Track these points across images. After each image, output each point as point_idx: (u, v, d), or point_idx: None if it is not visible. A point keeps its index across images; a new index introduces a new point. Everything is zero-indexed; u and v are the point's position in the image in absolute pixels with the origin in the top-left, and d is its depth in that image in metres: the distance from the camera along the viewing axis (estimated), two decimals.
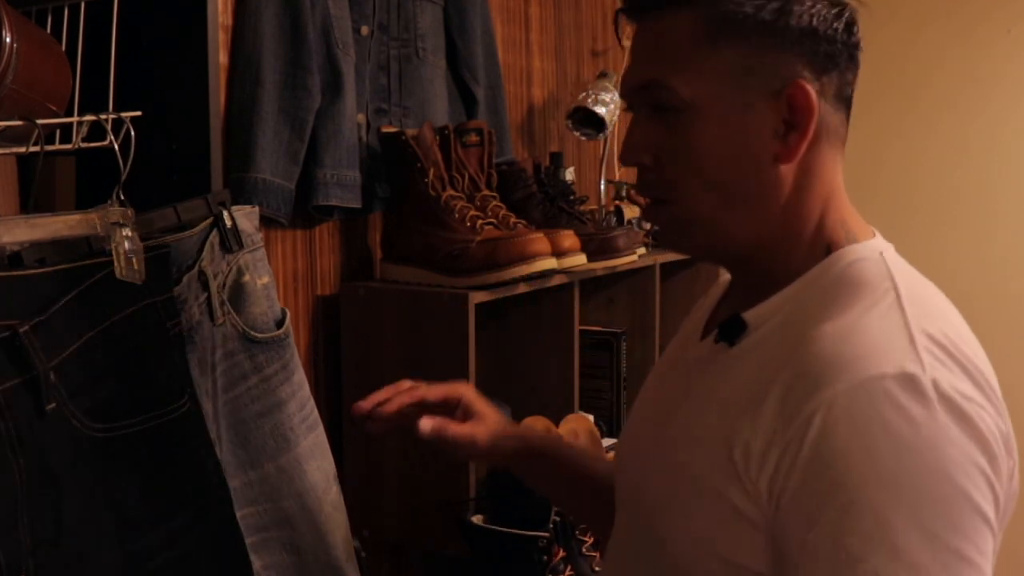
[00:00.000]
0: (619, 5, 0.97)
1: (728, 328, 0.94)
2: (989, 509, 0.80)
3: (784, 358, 0.86)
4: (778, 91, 0.90)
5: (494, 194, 1.69)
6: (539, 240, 1.57)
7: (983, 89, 2.87)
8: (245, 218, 1.15)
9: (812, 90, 0.90)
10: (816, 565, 0.79)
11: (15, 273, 0.90)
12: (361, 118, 1.62)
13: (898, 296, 0.88)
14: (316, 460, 1.17)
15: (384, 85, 1.67)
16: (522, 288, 1.62)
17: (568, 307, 1.81)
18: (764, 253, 0.94)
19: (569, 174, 2.10)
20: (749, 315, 0.93)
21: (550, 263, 1.58)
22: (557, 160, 2.08)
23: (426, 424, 1.11)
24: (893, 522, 0.77)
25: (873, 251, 0.93)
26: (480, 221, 1.60)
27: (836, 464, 0.79)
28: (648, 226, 2.17)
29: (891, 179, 2.96)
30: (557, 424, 1.83)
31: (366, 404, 1.11)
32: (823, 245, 0.93)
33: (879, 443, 0.79)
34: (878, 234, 0.97)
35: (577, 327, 1.83)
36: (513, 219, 1.66)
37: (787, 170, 0.92)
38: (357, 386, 1.62)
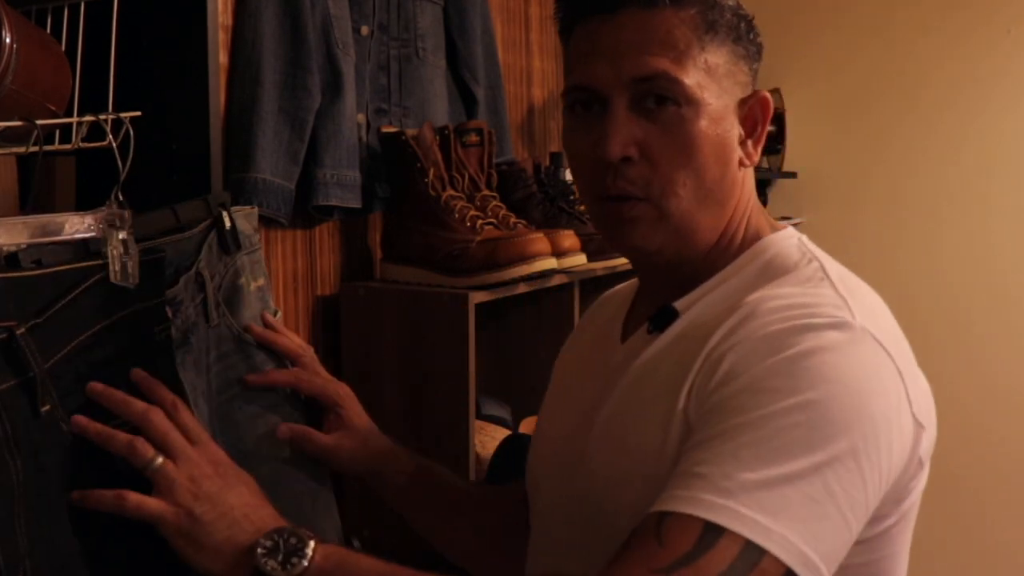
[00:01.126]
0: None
1: (659, 318, 0.97)
2: (875, 462, 0.82)
3: (715, 324, 0.90)
4: (743, 100, 0.97)
5: (494, 194, 1.69)
6: (539, 240, 1.57)
7: (983, 89, 2.86)
8: (244, 219, 1.15)
9: (768, 96, 0.97)
10: (699, 452, 0.82)
11: (12, 275, 0.90)
12: (361, 118, 1.62)
13: (825, 272, 0.93)
14: (309, 462, 1.18)
15: (384, 85, 1.67)
16: (522, 288, 1.62)
17: (568, 307, 1.81)
18: (705, 252, 0.98)
19: (569, 174, 2.10)
20: (678, 304, 0.97)
21: (550, 263, 1.58)
22: (557, 160, 2.08)
23: (284, 431, 1.13)
24: (788, 436, 0.79)
25: (792, 237, 0.99)
26: (480, 221, 1.60)
27: (749, 374, 0.83)
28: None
29: (890, 179, 2.96)
30: None
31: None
32: (752, 237, 0.99)
33: (799, 359, 0.82)
34: (789, 225, 1.03)
35: None
36: (513, 219, 1.66)
37: (742, 173, 0.98)
38: (357, 386, 1.62)
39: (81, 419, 0.91)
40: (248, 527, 0.91)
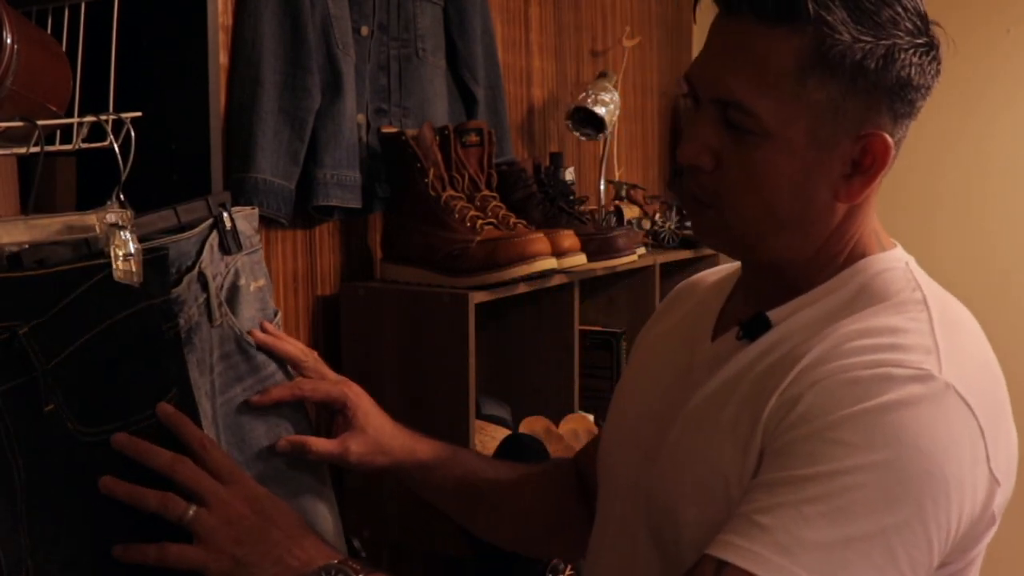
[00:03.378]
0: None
1: (751, 325, 0.94)
2: (944, 524, 0.80)
3: (804, 347, 0.88)
4: (857, 136, 0.89)
5: (494, 194, 1.69)
6: (539, 240, 1.57)
7: (982, 89, 2.86)
8: (244, 220, 1.15)
9: (892, 142, 0.90)
10: (764, 496, 0.81)
11: (14, 275, 0.90)
12: (361, 118, 1.62)
13: (927, 304, 0.89)
14: (311, 461, 1.18)
15: (384, 85, 1.67)
16: (522, 288, 1.62)
17: (568, 307, 1.81)
18: (799, 266, 0.94)
19: (569, 174, 2.10)
20: (772, 314, 0.94)
21: (550, 263, 1.58)
22: (557, 160, 2.08)
23: (283, 445, 1.11)
24: (856, 495, 0.78)
25: (899, 261, 0.95)
26: (480, 221, 1.60)
27: (824, 420, 0.81)
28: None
29: (888, 178, 2.96)
30: (557, 424, 1.83)
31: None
32: (858, 255, 0.95)
33: (875, 413, 0.80)
34: (899, 245, 0.99)
35: (577, 327, 1.83)
36: (513, 219, 1.66)
37: (843, 206, 0.93)
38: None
39: (108, 481, 0.90)
40: (293, 563, 0.90)
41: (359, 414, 1.16)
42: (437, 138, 1.62)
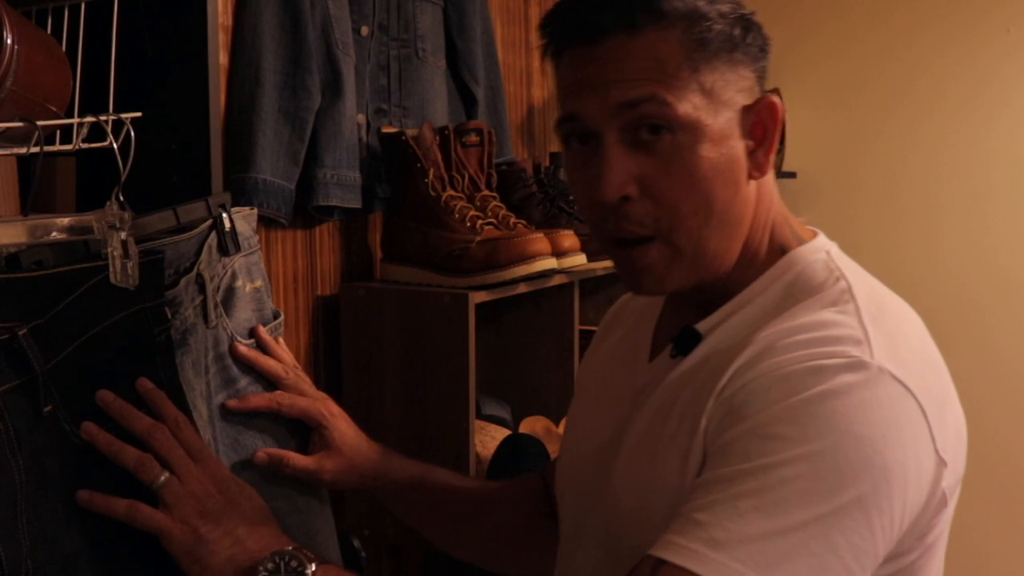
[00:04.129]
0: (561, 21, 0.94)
1: (682, 341, 0.94)
2: (886, 510, 0.80)
3: (735, 352, 0.87)
4: (748, 107, 0.90)
5: (494, 194, 1.69)
6: (539, 240, 1.57)
7: (982, 88, 2.86)
8: (243, 221, 1.15)
9: (778, 101, 0.91)
10: (702, 495, 0.81)
11: (13, 276, 0.90)
12: (361, 118, 1.62)
13: (852, 294, 0.89)
14: None
15: (384, 85, 1.67)
16: (522, 288, 1.62)
17: (568, 307, 1.81)
18: (730, 270, 0.94)
19: None
20: (701, 326, 0.94)
21: (550, 263, 1.58)
22: (557, 160, 2.08)
23: (261, 456, 1.11)
24: (790, 487, 0.78)
25: (820, 252, 0.95)
26: (480, 221, 1.60)
27: (759, 417, 0.81)
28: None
29: (889, 177, 2.96)
30: (557, 424, 1.83)
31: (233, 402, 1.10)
32: (777, 250, 0.95)
33: (808, 404, 0.80)
34: (819, 233, 0.98)
35: (577, 327, 1.83)
36: (513, 219, 1.66)
37: (753, 185, 0.93)
38: (357, 386, 1.63)
39: (92, 428, 0.93)
40: (251, 547, 0.92)
41: (335, 434, 1.16)
42: (437, 138, 1.62)
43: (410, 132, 1.62)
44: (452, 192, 1.62)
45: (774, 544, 0.76)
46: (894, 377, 0.82)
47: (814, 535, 0.77)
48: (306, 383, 1.18)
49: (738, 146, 0.90)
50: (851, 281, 0.91)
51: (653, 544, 0.82)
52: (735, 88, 0.89)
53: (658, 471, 0.89)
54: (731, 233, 0.92)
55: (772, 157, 0.92)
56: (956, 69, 2.87)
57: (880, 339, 0.84)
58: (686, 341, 0.94)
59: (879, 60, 2.96)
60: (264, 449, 1.12)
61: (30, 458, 0.88)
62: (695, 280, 0.93)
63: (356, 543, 1.44)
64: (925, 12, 2.89)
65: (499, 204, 1.68)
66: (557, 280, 1.71)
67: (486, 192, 1.67)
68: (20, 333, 0.88)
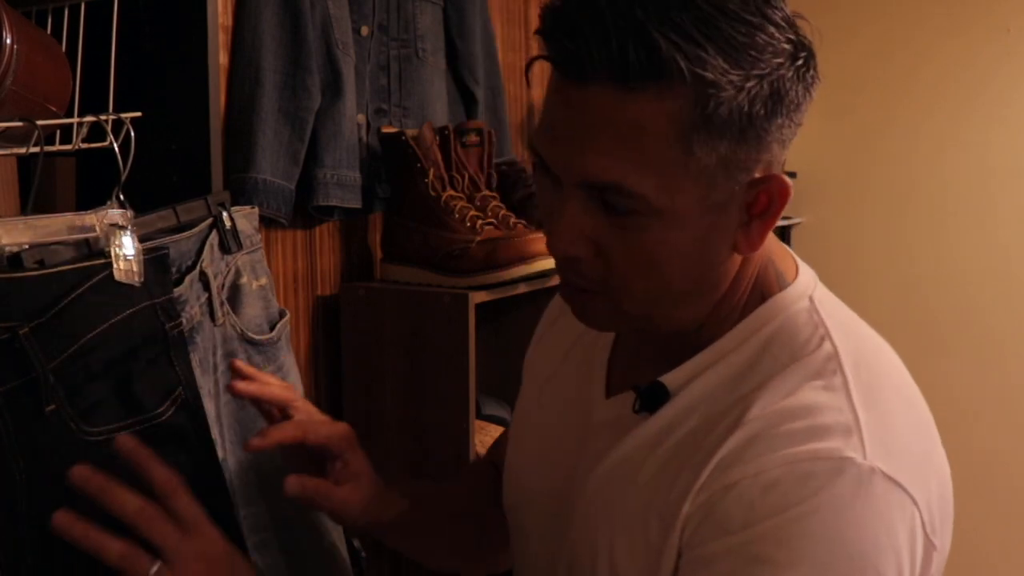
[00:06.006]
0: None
1: (647, 397, 0.85)
2: None
3: (713, 427, 0.80)
4: (753, 182, 0.77)
5: (494, 194, 1.69)
6: (539, 240, 1.57)
7: (982, 86, 2.86)
8: (244, 219, 1.15)
9: (790, 183, 0.77)
10: None
11: (15, 275, 0.90)
12: (361, 118, 1.62)
13: (839, 363, 0.81)
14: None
15: (384, 85, 1.67)
16: (522, 288, 1.62)
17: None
18: (698, 325, 0.86)
19: None
20: (669, 380, 0.85)
21: (550, 263, 1.58)
22: None
23: (293, 485, 0.96)
24: None
25: (801, 298, 0.85)
26: (480, 221, 1.60)
27: (745, 534, 0.75)
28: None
29: (890, 175, 2.96)
30: None
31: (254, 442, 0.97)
32: (757, 296, 0.86)
33: (798, 522, 0.74)
34: (800, 264, 0.89)
35: None
36: (513, 219, 1.66)
37: (741, 256, 0.83)
38: (357, 386, 1.63)
39: (63, 519, 0.82)
40: None
41: (356, 460, 1.03)
42: (437, 138, 1.62)
43: (410, 132, 1.62)
44: (452, 192, 1.62)
45: None
46: (886, 476, 0.76)
47: None
48: (313, 408, 1.06)
49: (726, 223, 0.78)
50: (836, 340, 0.82)
51: None
52: (739, 168, 0.75)
53: (625, 555, 0.84)
54: (696, 303, 0.83)
55: (764, 236, 0.80)
56: (956, 68, 2.87)
57: (871, 423, 0.78)
58: (653, 398, 0.85)
59: (879, 59, 2.96)
60: (297, 477, 0.98)
61: (31, 458, 0.88)
62: (644, 328, 0.86)
63: (356, 543, 1.44)
64: (925, 11, 2.89)
65: (499, 204, 1.68)
66: (557, 280, 1.70)
67: (486, 192, 1.67)
68: (21, 332, 0.88)
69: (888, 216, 2.96)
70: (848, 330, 0.85)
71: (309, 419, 1.02)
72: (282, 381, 1.08)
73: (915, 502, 0.77)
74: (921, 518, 0.78)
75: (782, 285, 0.86)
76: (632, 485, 0.84)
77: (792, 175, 3.31)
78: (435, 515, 1.13)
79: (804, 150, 2.98)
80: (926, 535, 0.79)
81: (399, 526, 1.06)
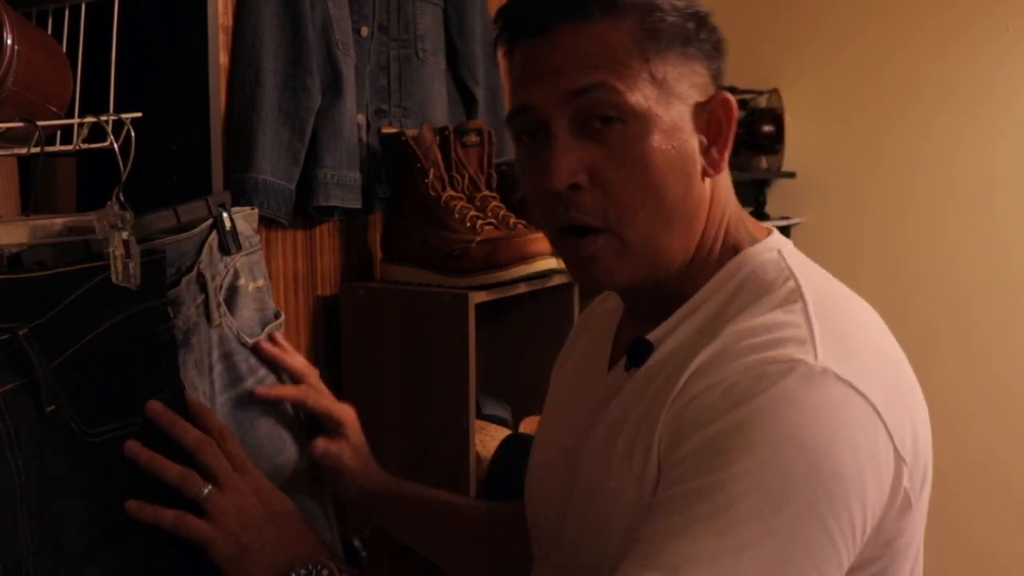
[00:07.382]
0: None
1: (634, 353, 0.93)
2: (844, 516, 0.78)
3: (684, 362, 0.86)
4: (702, 104, 0.90)
5: (494, 194, 1.69)
6: (539, 240, 1.57)
7: (982, 86, 2.86)
8: (244, 220, 1.15)
9: (732, 97, 0.90)
10: (659, 518, 0.80)
11: (15, 276, 0.90)
12: (361, 118, 1.62)
13: (801, 294, 0.87)
14: (308, 463, 1.18)
15: (384, 86, 1.67)
16: (522, 288, 1.62)
17: (568, 307, 1.81)
18: (682, 271, 0.92)
19: None
20: (653, 335, 0.92)
21: (550, 263, 1.58)
22: None
23: (320, 447, 1.18)
24: (741, 504, 0.76)
25: (771, 251, 0.93)
26: (480, 221, 1.60)
27: (705, 431, 0.80)
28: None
29: (889, 176, 2.96)
30: None
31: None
32: (730, 249, 0.94)
33: (750, 415, 0.78)
34: (774, 231, 0.97)
35: None
36: (513, 219, 1.66)
37: (708, 184, 0.92)
38: (357, 386, 1.63)
39: (135, 446, 0.96)
40: (289, 555, 0.96)
41: (355, 436, 1.22)
42: (437, 138, 1.62)
43: (410, 132, 1.62)
44: (452, 192, 1.62)
45: (729, 563, 0.75)
46: (839, 377, 0.80)
47: (768, 550, 0.76)
48: (324, 387, 1.22)
49: (691, 141, 0.89)
50: (801, 280, 0.89)
51: (612, 560, 0.81)
52: (688, 82, 0.89)
53: (615, 489, 0.88)
54: (683, 231, 0.91)
55: (727, 155, 0.92)
56: (956, 69, 2.87)
57: (827, 336, 0.82)
58: (638, 352, 0.92)
59: (878, 59, 2.96)
60: (323, 439, 1.18)
61: (31, 459, 0.88)
62: (644, 275, 0.91)
63: (356, 543, 1.44)
64: (925, 12, 2.89)
65: (499, 204, 1.68)
66: (557, 280, 1.71)
67: (486, 192, 1.67)
68: (21, 333, 0.88)
69: (888, 216, 2.96)
70: (818, 281, 0.91)
71: (316, 390, 1.19)
72: (304, 360, 1.21)
73: (875, 408, 0.81)
74: (885, 426, 0.81)
75: (753, 241, 0.94)
76: (621, 433, 0.90)
77: (792, 175, 3.30)
78: (434, 523, 1.24)
79: (804, 150, 2.99)
80: (893, 445, 0.81)
81: (392, 518, 1.25)
